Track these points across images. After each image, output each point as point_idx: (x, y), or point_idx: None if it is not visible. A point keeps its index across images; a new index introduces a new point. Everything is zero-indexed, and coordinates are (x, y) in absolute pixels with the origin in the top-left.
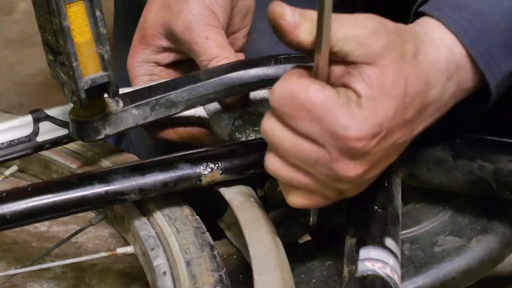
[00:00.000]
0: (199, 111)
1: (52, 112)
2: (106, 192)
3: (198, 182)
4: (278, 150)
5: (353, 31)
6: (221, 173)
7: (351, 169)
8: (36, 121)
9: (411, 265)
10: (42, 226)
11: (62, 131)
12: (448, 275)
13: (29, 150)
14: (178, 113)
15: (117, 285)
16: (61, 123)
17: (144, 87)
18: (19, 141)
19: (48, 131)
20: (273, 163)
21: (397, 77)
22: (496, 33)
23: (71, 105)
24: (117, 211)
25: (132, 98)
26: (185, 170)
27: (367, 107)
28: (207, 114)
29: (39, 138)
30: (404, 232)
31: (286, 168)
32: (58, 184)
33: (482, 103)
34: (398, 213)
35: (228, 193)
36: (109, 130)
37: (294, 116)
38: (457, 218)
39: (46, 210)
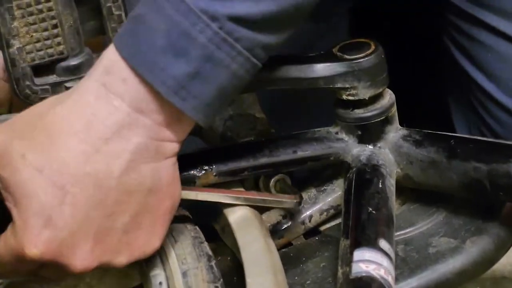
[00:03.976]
0: None
1: None
2: None
3: (192, 184)
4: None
5: None
6: (215, 175)
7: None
8: None
9: (405, 266)
10: None
11: None
12: (442, 276)
13: None
14: None
15: (117, 285)
16: None
17: None
18: None
19: None
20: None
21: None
22: (156, 37)
23: None
24: None
25: None
26: None
27: (18, 222)
28: None
29: None
30: (398, 233)
31: None
32: None
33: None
34: (392, 214)
35: None
36: None
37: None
38: (451, 220)
39: None
